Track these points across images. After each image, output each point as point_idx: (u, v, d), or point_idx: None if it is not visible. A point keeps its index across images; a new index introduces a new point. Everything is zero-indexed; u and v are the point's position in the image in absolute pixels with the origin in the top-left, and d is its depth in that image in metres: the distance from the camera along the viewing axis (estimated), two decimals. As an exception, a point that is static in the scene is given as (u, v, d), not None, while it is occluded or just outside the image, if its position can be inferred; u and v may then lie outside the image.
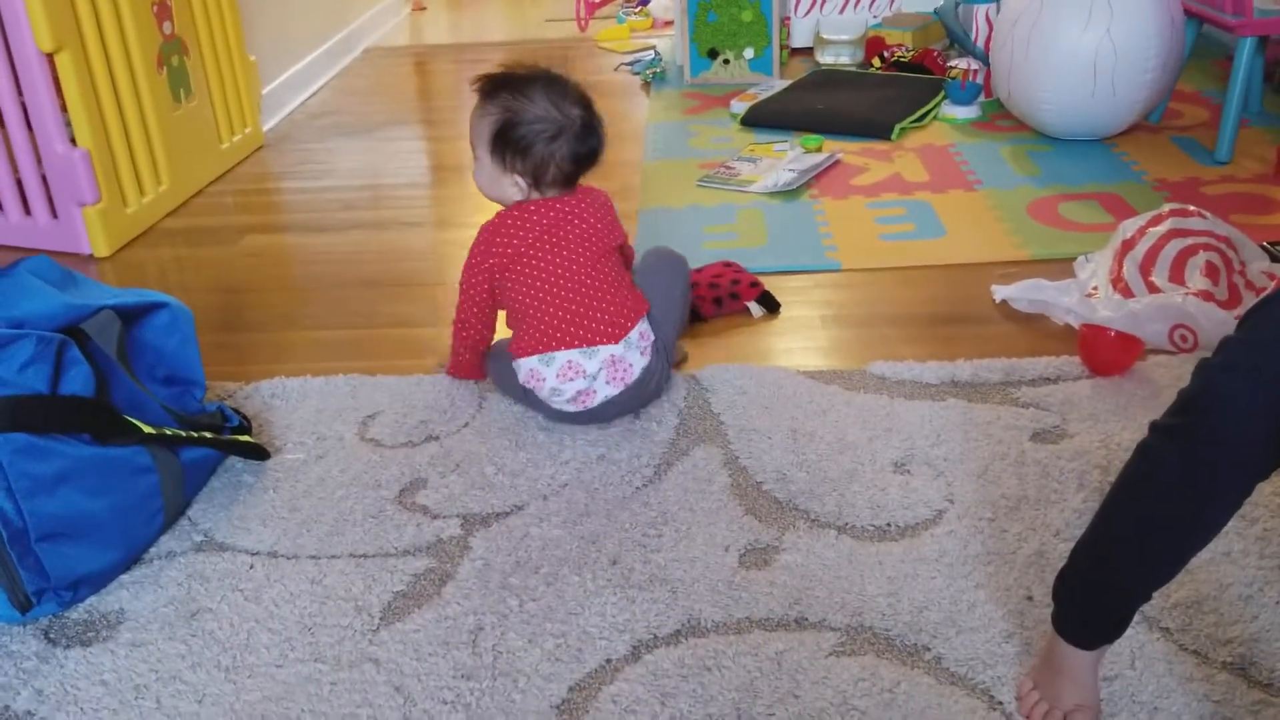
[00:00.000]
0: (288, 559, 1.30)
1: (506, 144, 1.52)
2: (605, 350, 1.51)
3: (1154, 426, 0.93)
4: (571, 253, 1.53)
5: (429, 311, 1.93)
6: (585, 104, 1.55)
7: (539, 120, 1.51)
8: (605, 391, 1.51)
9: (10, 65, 2.07)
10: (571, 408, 1.52)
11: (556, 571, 1.25)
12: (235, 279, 2.12)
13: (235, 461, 1.48)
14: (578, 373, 1.51)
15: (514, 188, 1.55)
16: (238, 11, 2.68)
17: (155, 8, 2.33)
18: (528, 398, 1.57)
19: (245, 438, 1.45)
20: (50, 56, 2.07)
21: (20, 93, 2.11)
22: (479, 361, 1.65)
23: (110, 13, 2.17)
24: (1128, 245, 1.75)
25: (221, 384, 1.67)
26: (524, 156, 1.52)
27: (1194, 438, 0.89)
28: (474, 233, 1.58)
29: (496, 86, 1.54)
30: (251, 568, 1.29)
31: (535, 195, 1.55)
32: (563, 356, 1.51)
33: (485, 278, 1.56)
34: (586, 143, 1.54)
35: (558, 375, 1.50)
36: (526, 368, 1.52)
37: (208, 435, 1.39)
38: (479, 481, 1.42)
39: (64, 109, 2.13)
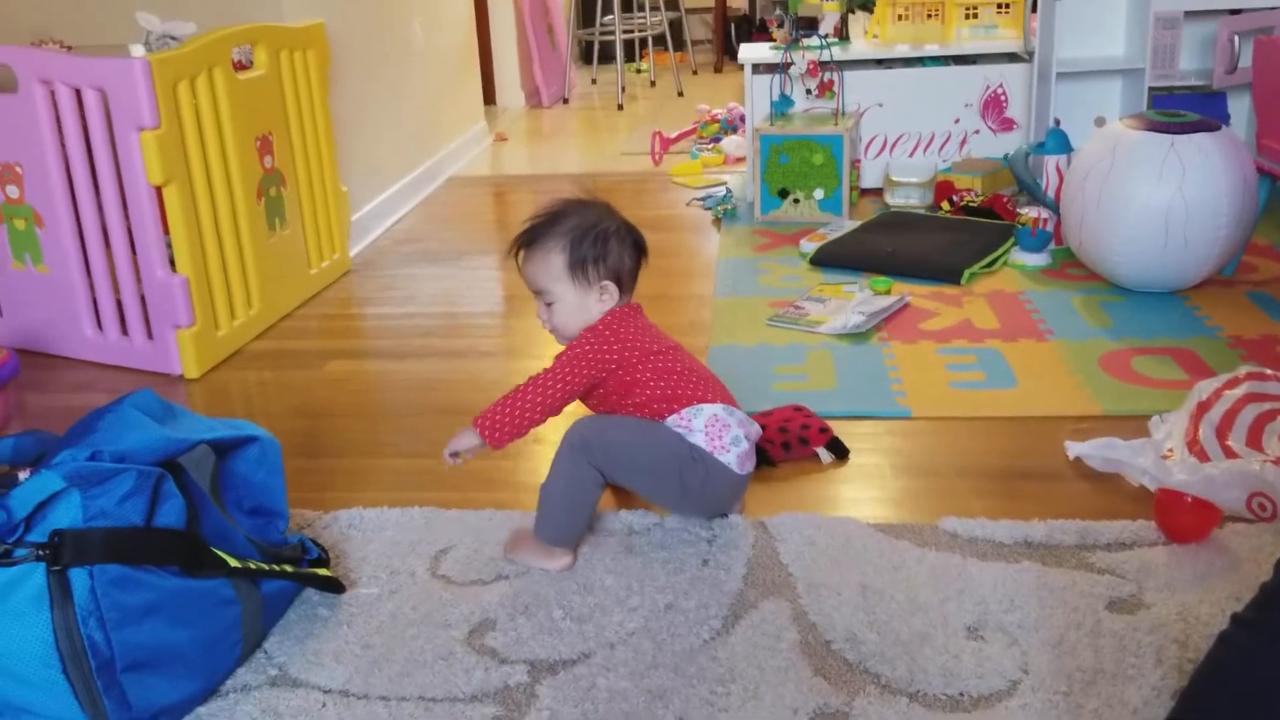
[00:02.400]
0: (359, 699, 1.31)
1: (585, 258, 1.52)
2: (755, 427, 1.62)
3: (1236, 619, 0.92)
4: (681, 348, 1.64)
5: (502, 444, 1.97)
6: (612, 208, 1.60)
7: (600, 221, 1.54)
8: (748, 465, 1.58)
9: (121, 196, 2.21)
10: (737, 466, 1.55)
11: (623, 726, 1.25)
12: (317, 404, 2.20)
13: (311, 593, 1.51)
14: (748, 434, 1.57)
15: (600, 303, 1.55)
16: (333, 146, 2.83)
17: (258, 143, 2.47)
18: (668, 459, 1.51)
19: (323, 571, 1.49)
20: (158, 188, 2.20)
21: (128, 220, 2.24)
22: (516, 436, 1.53)
23: (216, 148, 2.31)
24: (1203, 407, 1.74)
25: (301, 511, 1.72)
26: (605, 259, 1.53)
27: (1278, 633, 0.88)
28: (545, 362, 1.59)
29: (538, 229, 1.55)
30: (324, 706, 1.30)
31: (623, 301, 1.58)
32: (740, 413, 1.59)
33: (592, 373, 1.52)
34: (640, 242, 1.59)
35: (739, 425, 1.56)
36: (709, 413, 1.54)
37: (288, 569, 1.43)
38: (546, 625, 1.43)
39: (166, 233, 2.25)
